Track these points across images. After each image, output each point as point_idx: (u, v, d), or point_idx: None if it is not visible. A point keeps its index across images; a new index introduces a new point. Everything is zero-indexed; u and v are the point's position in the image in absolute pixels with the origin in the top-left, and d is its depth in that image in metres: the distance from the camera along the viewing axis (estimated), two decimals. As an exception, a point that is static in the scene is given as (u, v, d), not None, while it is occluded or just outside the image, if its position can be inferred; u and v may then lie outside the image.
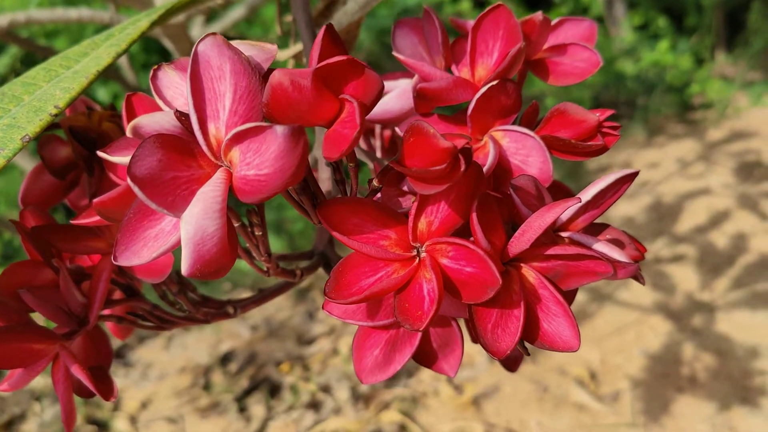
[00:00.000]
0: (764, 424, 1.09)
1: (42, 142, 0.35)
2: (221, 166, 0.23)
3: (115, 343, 1.56)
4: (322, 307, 0.27)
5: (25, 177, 0.36)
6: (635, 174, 0.27)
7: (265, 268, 0.32)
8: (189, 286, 0.35)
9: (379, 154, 0.47)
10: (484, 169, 0.27)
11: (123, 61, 1.12)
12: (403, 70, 0.39)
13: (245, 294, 1.30)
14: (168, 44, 0.77)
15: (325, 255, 0.38)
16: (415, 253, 0.26)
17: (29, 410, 1.35)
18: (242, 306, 0.36)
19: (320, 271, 0.38)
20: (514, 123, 0.30)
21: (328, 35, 0.24)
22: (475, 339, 0.25)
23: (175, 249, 0.23)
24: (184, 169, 0.23)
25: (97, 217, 0.28)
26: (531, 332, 0.25)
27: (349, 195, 0.28)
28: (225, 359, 1.49)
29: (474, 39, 0.31)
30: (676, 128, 2.79)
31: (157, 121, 0.24)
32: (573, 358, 1.31)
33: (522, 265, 0.26)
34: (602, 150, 0.29)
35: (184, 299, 0.34)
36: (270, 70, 0.24)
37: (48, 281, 0.33)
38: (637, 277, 0.27)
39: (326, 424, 1.21)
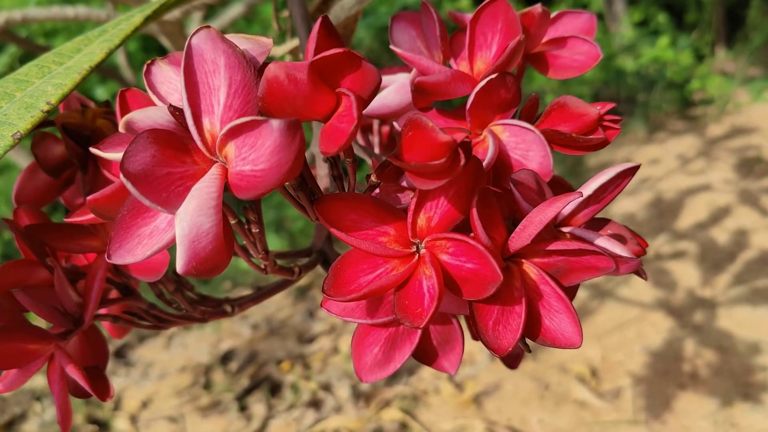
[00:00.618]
0: (766, 419, 1.08)
1: (35, 140, 0.35)
2: (216, 161, 0.22)
3: (116, 342, 1.56)
4: (321, 305, 0.27)
5: (19, 175, 0.35)
6: (636, 168, 0.27)
7: (262, 266, 0.31)
8: (186, 284, 0.35)
9: (377, 150, 0.47)
10: (484, 163, 0.27)
11: (121, 60, 1.11)
12: (401, 65, 0.38)
13: (245, 293, 1.30)
14: (166, 42, 0.77)
15: (324, 252, 0.37)
16: (414, 249, 0.25)
17: (30, 410, 1.35)
18: (240, 304, 0.35)
19: (320, 269, 0.38)
20: (513, 117, 0.30)
21: (323, 28, 0.24)
22: (476, 336, 0.25)
23: (171, 246, 0.23)
24: (179, 165, 0.22)
25: (92, 215, 0.28)
26: (533, 329, 0.25)
27: (347, 191, 0.28)
28: (225, 358, 1.49)
29: (472, 32, 0.31)
30: (677, 124, 2.79)
31: (150, 116, 0.24)
32: (574, 355, 1.31)
33: (523, 260, 0.25)
34: (603, 144, 0.28)
35: (181, 298, 0.34)
36: (265, 64, 0.24)
37: (43, 280, 0.32)
38: (639, 272, 0.27)
39: (327, 423, 1.21)
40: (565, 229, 0.27)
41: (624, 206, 2.00)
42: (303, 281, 1.77)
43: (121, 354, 1.54)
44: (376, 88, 0.23)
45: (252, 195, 0.21)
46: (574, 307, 0.25)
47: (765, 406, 1.11)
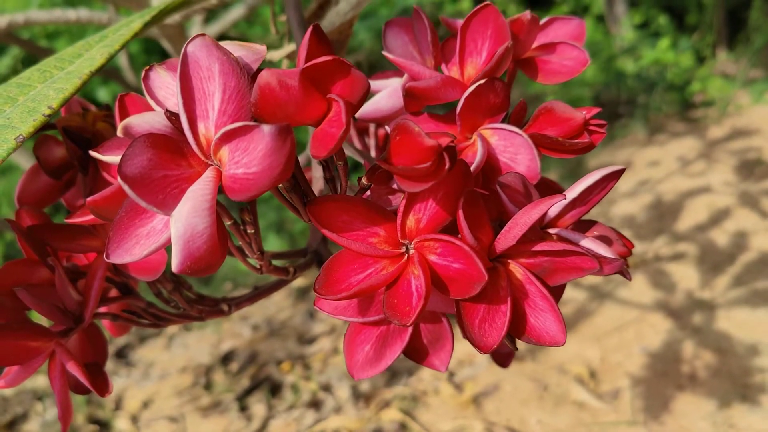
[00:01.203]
0: (764, 421, 1.09)
1: (37, 142, 0.36)
2: (211, 164, 0.23)
3: (117, 343, 1.57)
4: (314, 304, 0.28)
5: (21, 177, 0.36)
6: (621, 171, 0.28)
7: (258, 266, 0.32)
8: (184, 283, 0.36)
9: (373, 153, 0.48)
10: (472, 167, 0.27)
11: (124, 62, 1.12)
12: (396, 70, 0.39)
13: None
14: (167, 45, 0.78)
15: (319, 253, 0.38)
16: (403, 249, 0.26)
17: (31, 410, 1.36)
18: (236, 304, 0.36)
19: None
20: (503, 121, 0.31)
21: (314, 36, 0.24)
22: (463, 334, 0.26)
23: (168, 246, 0.24)
24: (174, 168, 0.23)
25: (92, 216, 0.29)
26: (518, 327, 0.26)
27: (339, 193, 0.28)
28: (226, 359, 1.50)
29: (463, 38, 0.31)
30: (677, 126, 2.79)
31: (147, 121, 0.24)
32: (573, 356, 1.31)
33: (509, 261, 0.26)
34: (589, 147, 0.29)
35: (178, 297, 0.35)
36: (259, 71, 0.25)
37: (44, 279, 0.33)
38: (623, 273, 0.27)
39: (327, 423, 1.22)
40: (552, 231, 0.28)
41: (624, 208, 2.00)
42: (303, 283, 1.77)
43: (122, 354, 1.55)
44: (365, 94, 0.24)
45: (245, 197, 0.22)
46: (558, 306, 0.25)
47: (763, 407, 1.12)
